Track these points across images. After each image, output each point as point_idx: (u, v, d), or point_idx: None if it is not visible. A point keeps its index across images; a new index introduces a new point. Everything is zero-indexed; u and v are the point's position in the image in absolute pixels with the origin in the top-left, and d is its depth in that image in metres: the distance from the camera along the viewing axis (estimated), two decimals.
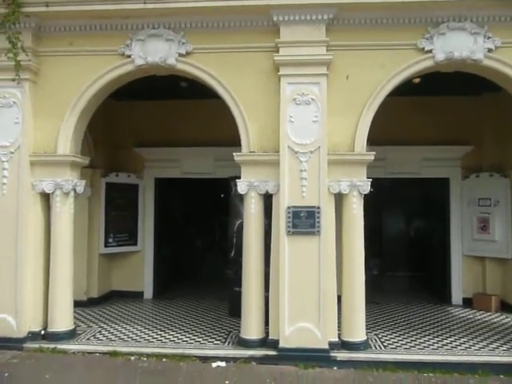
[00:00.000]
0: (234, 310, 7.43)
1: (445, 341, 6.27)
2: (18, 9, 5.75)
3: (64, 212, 6.13)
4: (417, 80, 6.76)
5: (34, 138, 6.12)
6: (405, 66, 5.75)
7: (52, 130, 6.08)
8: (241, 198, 7.25)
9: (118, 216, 8.69)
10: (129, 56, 6.02)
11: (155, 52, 5.96)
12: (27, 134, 6.04)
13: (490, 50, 5.65)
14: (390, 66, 5.76)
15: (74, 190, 6.25)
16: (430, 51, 5.72)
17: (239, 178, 7.35)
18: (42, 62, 6.16)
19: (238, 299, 7.31)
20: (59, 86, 6.11)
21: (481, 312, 7.92)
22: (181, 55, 5.97)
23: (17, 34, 5.81)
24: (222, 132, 7.40)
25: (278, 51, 5.79)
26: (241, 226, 7.46)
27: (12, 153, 6.02)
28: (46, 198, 6.20)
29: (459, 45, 5.67)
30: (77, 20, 6.01)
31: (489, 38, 5.65)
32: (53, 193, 6.10)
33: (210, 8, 5.73)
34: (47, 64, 6.16)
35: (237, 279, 7.44)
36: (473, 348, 6.00)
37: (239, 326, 6.09)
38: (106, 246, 8.57)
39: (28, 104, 6.05)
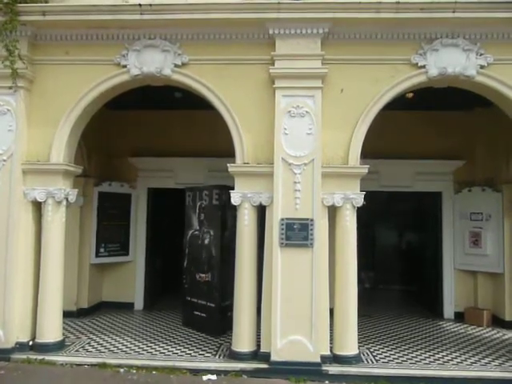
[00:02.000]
0: (187, 319, 7.67)
1: (437, 355, 6.25)
2: (16, 17, 5.76)
3: (55, 221, 6.08)
4: (410, 95, 6.85)
5: (27, 146, 6.08)
6: (398, 80, 5.82)
7: (46, 139, 6.06)
8: (194, 208, 7.29)
9: (110, 226, 8.62)
10: (124, 66, 6.03)
11: (151, 62, 5.98)
12: (20, 141, 6.01)
13: (482, 67, 5.74)
14: (383, 81, 5.82)
15: (66, 199, 6.20)
16: (424, 67, 5.80)
17: (193, 189, 7.51)
18: (38, 70, 6.15)
19: (189, 308, 7.55)
20: (54, 95, 6.11)
21: (472, 326, 7.92)
22: (176, 66, 5.99)
23: (14, 42, 5.81)
24: (216, 143, 7.42)
25: (273, 64, 5.84)
26: (192, 237, 7.63)
27: (4, 160, 5.98)
28: (38, 206, 6.15)
29: (452, 61, 5.75)
30: (73, 29, 6.03)
31: (481, 54, 5.74)
32: (45, 201, 6.05)
33: (206, 20, 5.78)
34: (42, 72, 6.16)
35: (189, 289, 7.61)
36: (465, 363, 5.98)
37: (230, 340, 6.05)
38: (97, 255, 8.50)
39: (22, 112, 6.03)
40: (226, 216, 7.32)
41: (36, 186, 6.03)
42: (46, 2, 6.04)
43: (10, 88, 5.91)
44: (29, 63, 6.04)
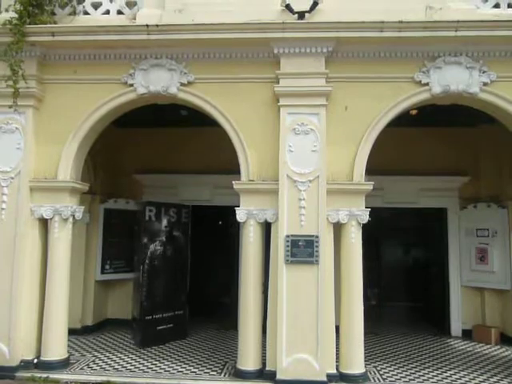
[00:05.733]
0: (146, 339, 7.37)
1: (445, 374, 6.17)
2: (23, 38, 5.89)
3: (62, 238, 6.11)
4: (414, 112, 6.89)
5: (34, 164, 6.15)
6: (402, 98, 5.86)
7: (53, 156, 6.12)
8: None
9: (115, 242, 8.63)
10: (131, 85, 6.13)
11: (157, 81, 6.07)
12: (28, 159, 6.08)
13: (485, 84, 5.78)
14: (387, 98, 5.87)
15: (73, 216, 6.23)
16: (427, 84, 5.85)
17: (156, 204, 7.46)
18: (47, 89, 6.25)
19: (149, 329, 7.34)
20: (62, 113, 6.19)
21: (481, 344, 7.82)
22: (182, 85, 6.08)
23: (19, 62, 5.93)
24: (221, 160, 7.47)
25: (278, 82, 5.91)
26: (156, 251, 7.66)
27: (12, 178, 6.04)
28: (44, 223, 6.19)
29: (455, 78, 5.80)
30: (81, 49, 6.14)
31: (484, 72, 5.79)
32: (51, 218, 6.09)
33: (211, 40, 5.88)
34: (51, 91, 6.26)
35: (148, 306, 7.43)
36: (473, 382, 5.90)
37: (230, 355, 6.00)
38: (102, 272, 8.49)
39: (30, 130, 6.11)
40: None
41: (43, 203, 6.08)
42: (55, 23, 6.19)
43: (10, 107, 5.99)
44: (38, 82, 6.15)
